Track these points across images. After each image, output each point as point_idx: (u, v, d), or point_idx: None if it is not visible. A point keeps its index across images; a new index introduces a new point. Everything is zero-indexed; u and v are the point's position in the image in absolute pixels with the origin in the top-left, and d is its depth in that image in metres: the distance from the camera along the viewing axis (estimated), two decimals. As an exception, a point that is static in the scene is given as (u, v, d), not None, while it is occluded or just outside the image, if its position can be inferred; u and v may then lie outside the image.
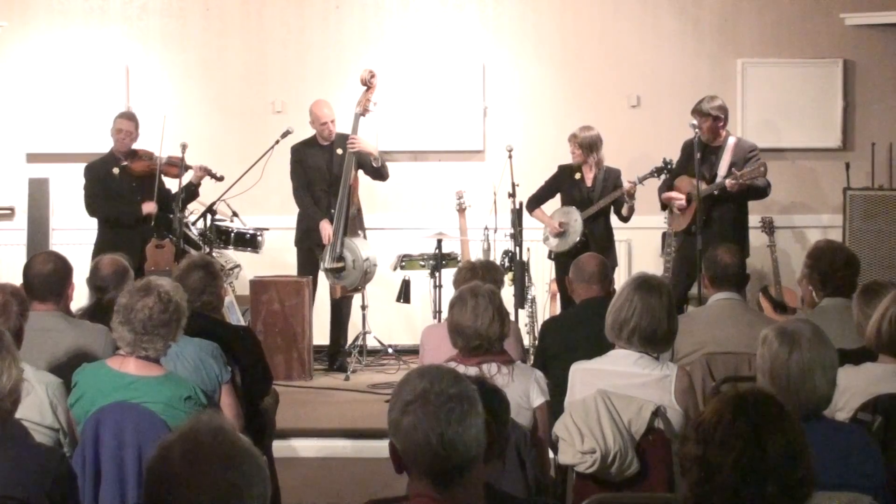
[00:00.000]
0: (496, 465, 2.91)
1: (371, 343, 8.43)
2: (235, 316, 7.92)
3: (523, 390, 4.14)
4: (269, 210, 8.80)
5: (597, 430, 3.78)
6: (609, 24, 9.12)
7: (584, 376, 4.06)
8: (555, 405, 4.23)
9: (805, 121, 9.02)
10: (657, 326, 3.98)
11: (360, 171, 8.18)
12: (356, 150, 8.03)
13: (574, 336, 4.99)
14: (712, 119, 7.50)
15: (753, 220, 8.67)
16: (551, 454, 4.31)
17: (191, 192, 7.89)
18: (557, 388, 4.36)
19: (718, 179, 7.45)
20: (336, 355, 8.30)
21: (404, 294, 8.28)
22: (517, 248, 7.56)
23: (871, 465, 3.18)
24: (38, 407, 3.83)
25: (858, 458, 3.16)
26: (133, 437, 3.68)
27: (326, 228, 8.03)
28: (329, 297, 8.30)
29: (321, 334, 8.33)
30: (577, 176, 7.89)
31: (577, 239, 7.77)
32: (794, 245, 9.03)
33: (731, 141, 7.53)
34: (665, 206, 7.85)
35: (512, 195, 7.74)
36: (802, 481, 2.22)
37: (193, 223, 8.18)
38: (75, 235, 8.68)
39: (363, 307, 8.28)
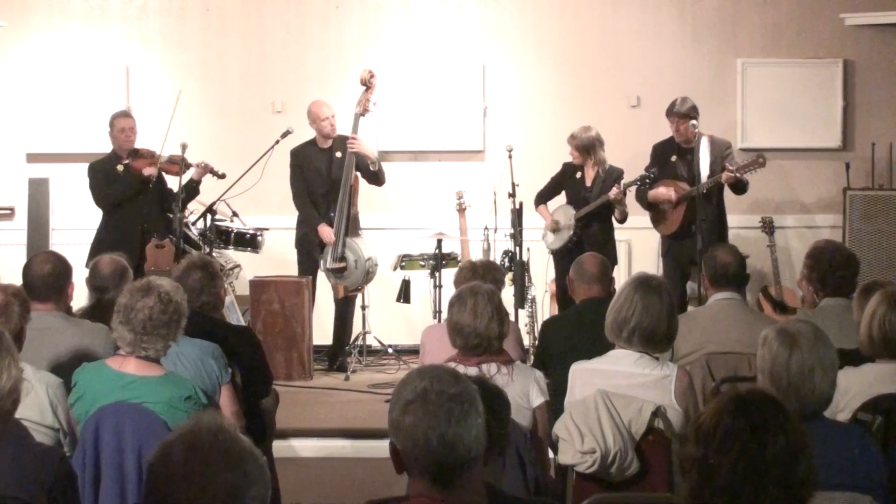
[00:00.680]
0: (496, 465, 2.92)
1: (371, 343, 8.43)
2: (235, 316, 7.92)
3: (523, 390, 4.14)
4: (269, 210, 8.80)
5: (597, 430, 3.78)
6: (609, 24, 9.12)
7: (584, 376, 4.06)
8: (555, 405, 4.23)
9: (805, 121, 9.01)
10: (657, 326, 3.98)
11: (358, 173, 8.18)
12: (356, 150, 8.02)
13: (574, 336, 4.99)
14: (688, 120, 7.57)
15: (753, 220, 8.70)
16: (551, 454, 4.31)
17: (192, 189, 7.88)
18: (557, 388, 4.36)
19: (704, 179, 7.48)
20: (336, 355, 8.30)
21: (404, 294, 8.28)
22: (517, 248, 7.56)
23: (871, 465, 3.18)
24: (38, 406, 3.83)
25: (858, 458, 3.16)
26: (133, 437, 3.68)
27: (326, 231, 8.02)
28: (332, 297, 8.30)
29: (321, 334, 8.32)
30: (579, 175, 7.90)
31: (569, 237, 7.79)
32: (794, 245, 9.03)
33: (705, 140, 7.57)
34: (652, 207, 7.83)
35: (512, 195, 7.74)
36: (803, 482, 2.22)
37: (193, 223, 8.18)
38: (75, 235, 8.67)
39: (363, 307, 8.28)
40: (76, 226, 8.74)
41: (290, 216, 8.38)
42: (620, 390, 3.89)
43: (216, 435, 2.08)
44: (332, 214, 8.06)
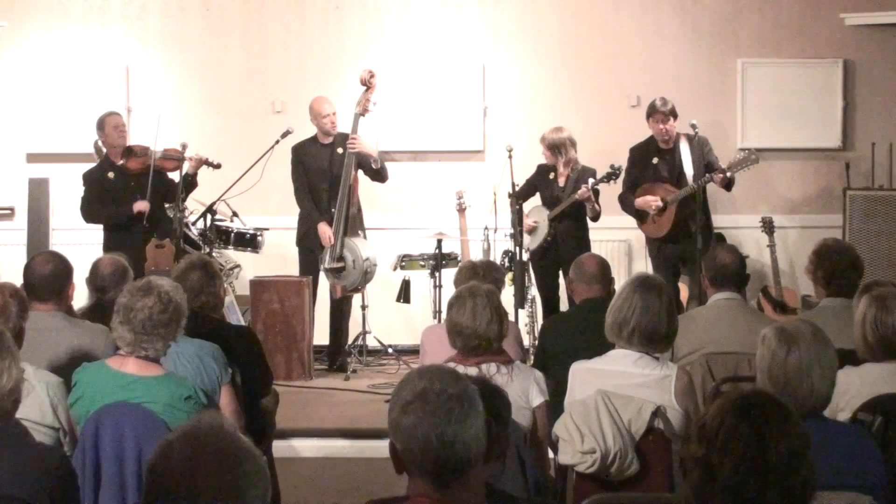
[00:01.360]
0: (496, 466, 2.91)
1: (371, 343, 8.43)
2: (235, 316, 7.92)
3: (522, 390, 4.15)
4: (269, 210, 8.80)
5: (597, 430, 3.78)
6: (609, 24, 9.12)
7: (584, 376, 4.06)
8: (555, 405, 4.23)
9: (805, 121, 9.01)
10: (657, 326, 3.98)
11: (360, 172, 8.18)
12: (356, 150, 8.03)
13: (574, 336, 4.99)
14: (673, 119, 7.62)
15: (753, 220, 8.70)
16: (551, 454, 4.32)
17: (188, 183, 7.85)
18: (557, 388, 4.36)
19: (690, 178, 7.48)
20: (336, 355, 8.30)
21: (404, 294, 8.28)
22: (517, 248, 7.56)
23: (871, 465, 3.18)
24: (38, 406, 3.83)
25: (858, 458, 3.16)
26: (133, 437, 3.68)
27: (325, 231, 8.03)
28: (329, 297, 8.30)
29: (321, 334, 8.32)
30: (552, 175, 7.93)
31: (543, 238, 7.81)
32: (794, 245, 9.03)
33: (684, 139, 7.57)
34: (639, 213, 7.83)
35: (512, 195, 7.75)
36: (804, 484, 2.22)
37: (193, 223, 8.17)
38: (75, 235, 8.68)
39: (363, 307, 8.28)
40: (76, 226, 8.72)
41: (291, 216, 8.38)
42: (620, 390, 3.89)
43: (216, 435, 2.08)
44: (333, 211, 8.07)
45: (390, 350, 8.43)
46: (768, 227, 8.60)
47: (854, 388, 3.86)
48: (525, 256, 7.81)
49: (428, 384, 2.34)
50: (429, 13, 9.16)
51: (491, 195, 8.16)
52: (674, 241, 7.68)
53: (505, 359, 4.22)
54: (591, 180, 7.61)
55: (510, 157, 7.75)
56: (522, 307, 7.59)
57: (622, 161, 7.99)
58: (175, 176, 7.84)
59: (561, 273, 7.85)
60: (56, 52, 9.16)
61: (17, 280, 4.64)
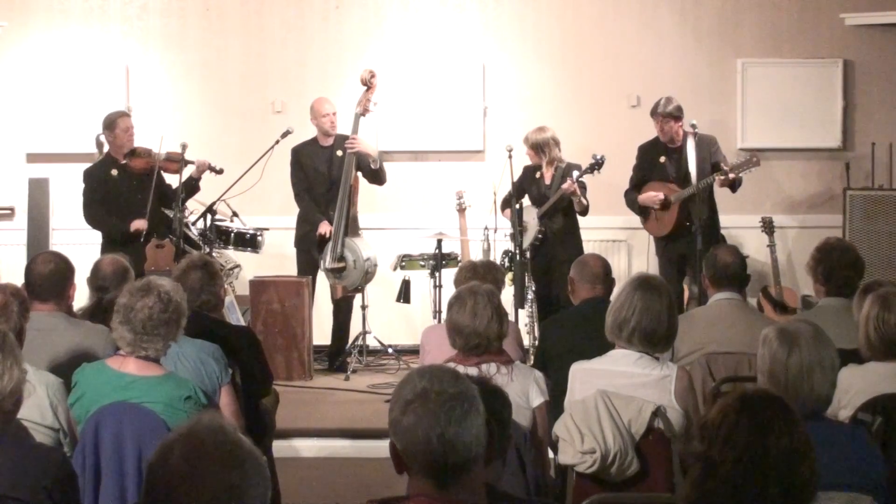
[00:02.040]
0: (496, 466, 2.91)
1: (371, 343, 8.43)
2: (235, 316, 7.92)
3: (522, 390, 4.15)
4: (269, 210, 8.80)
5: (597, 430, 3.78)
6: (609, 23, 9.12)
7: (584, 376, 4.06)
8: (555, 405, 4.23)
9: (805, 121, 9.01)
10: (657, 326, 3.98)
11: (359, 174, 8.18)
12: (356, 150, 8.02)
13: (574, 336, 4.99)
14: (674, 120, 7.59)
15: (753, 220, 8.70)
16: (551, 454, 4.31)
17: (191, 187, 7.87)
18: (557, 388, 4.36)
19: (694, 178, 7.48)
20: (336, 355, 8.30)
21: (404, 294, 8.28)
22: (517, 248, 7.56)
23: (871, 465, 3.18)
24: (38, 407, 3.83)
25: (858, 458, 3.16)
26: (133, 437, 3.68)
27: (325, 226, 8.03)
28: (330, 297, 8.30)
29: (321, 334, 8.32)
30: (538, 175, 7.93)
31: (534, 236, 7.80)
32: (794, 245, 9.03)
33: (691, 138, 7.57)
34: (643, 210, 7.84)
35: (512, 195, 7.75)
36: (805, 483, 2.22)
37: (193, 223, 8.16)
38: (75, 235, 8.67)
39: (363, 307, 8.28)
40: (76, 226, 8.72)
41: (290, 216, 8.38)
42: (620, 390, 3.90)
43: (216, 435, 2.08)
44: (332, 213, 8.07)
45: (390, 350, 8.42)
46: (768, 226, 8.60)
47: (856, 386, 3.86)
48: (500, 257, 7.82)
49: (428, 384, 2.35)
50: (429, 13, 9.16)
51: (491, 195, 8.16)
52: (677, 240, 7.68)
53: (505, 359, 4.22)
54: (574, 173, 7.61)
55: (510, 157, 7.75)
56: (522, 307, 7.58)
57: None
58: (176, 178, 7.83)
59: (550, 269, 7.82)
60: (56, 52, 9.16)
61: (18, 280, 4.65)
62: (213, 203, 8.00)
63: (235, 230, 8.31)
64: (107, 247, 7.57)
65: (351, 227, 8.08)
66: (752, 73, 9.04)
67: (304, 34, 9.19)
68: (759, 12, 9.08)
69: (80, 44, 9.19)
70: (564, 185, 7.60)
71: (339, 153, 8.11)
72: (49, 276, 4.57)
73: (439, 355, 4.47)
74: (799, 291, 8.57)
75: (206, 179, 7.95)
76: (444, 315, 4.97)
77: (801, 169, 9.14)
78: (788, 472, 2.20)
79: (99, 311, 4.92)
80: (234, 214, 8.41)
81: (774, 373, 3.23)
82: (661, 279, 4.28)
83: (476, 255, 8.02)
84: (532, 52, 9.16)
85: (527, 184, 7.98)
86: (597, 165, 7.60)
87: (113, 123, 7.86)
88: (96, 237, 7.96)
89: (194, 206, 8.22)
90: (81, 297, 5.26)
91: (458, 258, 8.08)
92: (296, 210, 8.28)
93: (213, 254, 7.87)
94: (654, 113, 7.74)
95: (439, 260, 8.04)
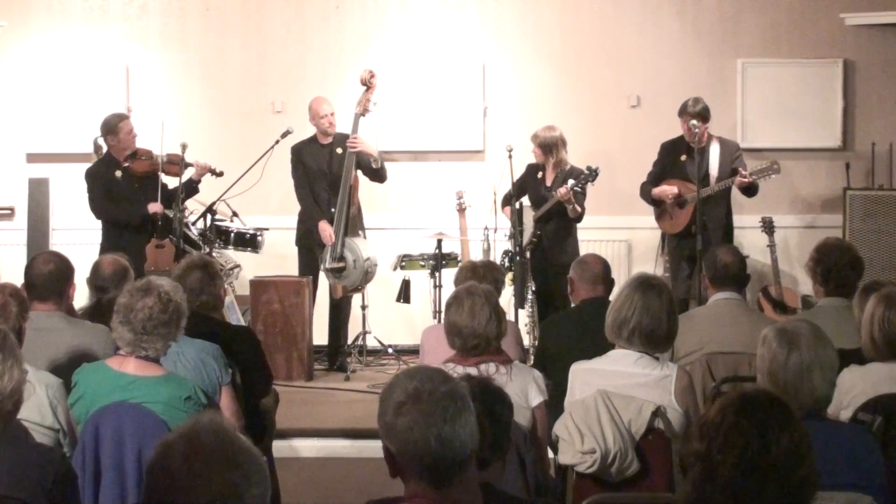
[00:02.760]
0: (496, 466, 2.91)
1: (371, 343, 8.43)
2: (235, 316, 7.92)
3: (521, 390, 4.15)
4: (269, 210, 8.80)
5: (597, 430, 3.78)
6: (609, 24, 9.12)
7: (584, 376, 4.06)
8: (555, 405, 4.23)
9: (805, 121, 9.01)
10: (657, 326, 3.98)
11: (360, 172, 8.18)
12: (356, 150, 8.03)
13: (574, 336, 4.99)
14: (701, 120, 7.61)
15: (753, 220, 8.70)
16: (551, 454, 4.31)
17: (191, 188, 7.86)
18: (557, 388, 4.36)
19: (713, 180, 7.51)
20: (336, 355, 8.30)
21: (404, 294, 8.28)
22: (517, 248, 7.56)
23: (871, 465, 3.18)
24: (38, 407, 3.83)
25: (858, 458, 3.16)
26: (133, 437, 3.68)
27: (326, 229, 8.03)
28: (329, 297, 8.30)
29: (321, 334, 8.32)
30: (540, 175, 7.92)
31: (529, 238, 7.80)
32: (794, 245, 9.03)
33: (716, 141, 7.58)
34: (657, 204, 7.84)
35: (512, 195, 7.75)
36: (805, 482, 2.22)
37: (193, 223, 8.16)
38: (75, 235, 8.68)
39: (363, 307, 8.28)
40: (76, 226, 8.74)
41: (290, 216, 8.38)
42: (620, 390, 3.90)
43: (215, 435, 2.08)
44: (333, 210, 8.07)
45: (390, 350, 8.42)
46: (768, 227, 8.60)
47: (858, 386, 3.86)
48: (500, 257, 7.82)
49: (419, 384, 2.34)
50: (429, 13, 9.16)
51: (491, 195, 8.16)
52: (689, 238, 7.68)
53: (504, 358, 4.22)
54: (570, 181, 7.58)
55: (510, 157, 7.74)
56: (522, 307, 7.58)
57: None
58: (176, 180, 7.82)
59: (545, 271, 7.81)
60: (56, 52, 9.16)
61: (18, 280, 4.65)
62: (213, 203, 8.01)
63: (235, 230, 8.31)
64: (107, 247, 7.55)
65: (352, 226, 8.08)
66: (752, 73, 9.04)
67: (304, 34, 9.19)
68: (759, 12, 9.08)
69: (80, 44, 9.18)
70: (559, 192, 7.57)
71: (339, 150, 8.11)
72: (49, 276, 4.57)
73: (439, 355, 4.47)
74: (799, 291, 8.57)
75: (207, 180, 7.94)
76: (443, 315, 4.97)
77: (801, 169, 9.13)
78: (788, 472, 2.20)
79: (99, 311, 4.92)
80: (234, 214, 8.41)
81: (774, 372, 3.23)
82: (661, 279, 4.28)
83: (476, 255, 8.02)
84: (532, 52, 9.16)
85: (528, 183, 7.96)
86: (591, 177, 7.58)
87: (115, 127, 7.81)
88: (96, 237, 7.95)
89: (194, 206, 8.21)
90: (81, 297, 5.27)
91: (458, 258, 8.08)
92: (296, 210, 8.28)
93: (213, 254, 7.87)
94: (682, 112, 7.72)
95: (439, 260, 8.04)
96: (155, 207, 7.64)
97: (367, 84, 8.07)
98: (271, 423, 5.25)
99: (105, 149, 7.98)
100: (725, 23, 9.10)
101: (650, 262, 8.67)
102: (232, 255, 8.52)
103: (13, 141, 9.21)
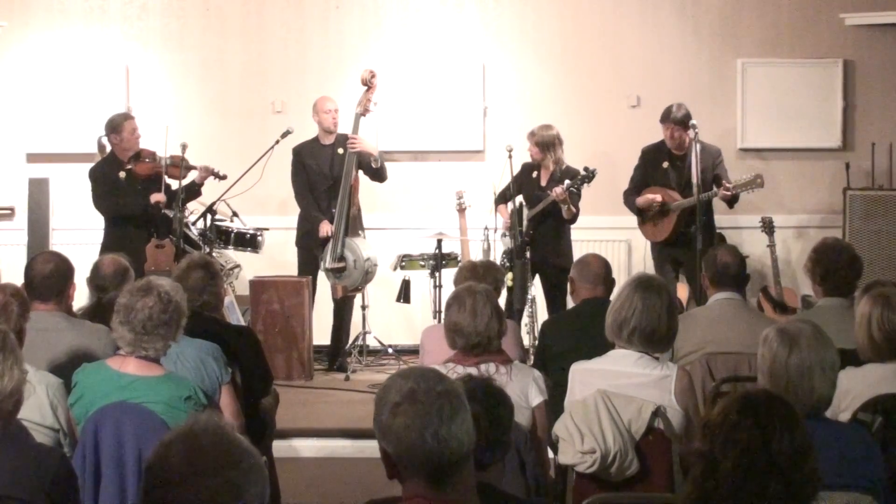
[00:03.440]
0: (497, 467, 2.91)
1: (371, 343, 8.43)
2: (235, 316, 7.91)
3: (521, 390, 4.15)
4: (269, 210, 8.80)
5: (597, 430, 3.78)
6: (609, 24, 9.12)
7: (584, 376, 4.06)
8: (555, 405, 4.23)
9: (805, 121, 9.01)
10: (657, 326, 3.98)
11: (360, 172, 8.18)
12: (357, 150, 8.03)
13: (574, 336, 4.99)
14: (684, 128, 7.57)
15: (753, 220, 8.70)
16: (551, 454, 4.31)
17: (193, 191, 7.87)
18: (557, 388, 4.36)
19: (695, 188, 7.44)
20: (336, 355, 8.30)
21: (404, 294, 8.28)
22: (514, 247, 7.56)
23: (872, 466, 3.18)
24: (38, 407, 3.83)
25: (858, 458, 3.16)
26: (133, 437, 3.68)
27: (325, 226, 8.03)
28: (331, 297, 8.30)
29: (321, 334, 8.32)
30: (535, 174, 7.91)
31: (520, 238, 7.78)
32: (794, 245, 9.03)
33: (698, 147, 7.52)
34: (641, 212, 7.81)
35: (507, 193, 7.74)
36: (806, 481, 2.22)
37: (193, 223, 8.16)
38: (75, 235, 8.68)
39: (363, 307, 8.28)
40: (76, 226, 8.75)
41: (290, 216, 8.38)
42: (620, 390, 3.89)
43: (214, 435, 2.08)
44: (333, 211, 8.07)
45: (390, 350, 8.43)
46: (768, 227, 8.59)
47: (856, 388, 3.85)
48: (500, 257, 7.82)
49: (414, 384, 2.34)
50: (429, 13, 9.16)
51: (491, 195, 8.16)
52: (674, 245, 7.68)
53: (503, 358, 4.22)
54: (566, 182, 7.56)
55: (510, 157, 7.73)
56: (523, 307, 7.58)
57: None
58: (177, 182, 7.82)
59: (539, 272, 7.81)
60: (56, 52, 9.16)
61: (18, 280, 4.65)
62: (214, 203, 8.00)
63: (235, 230, 8.31)
64: (108, 246, 7.56)
65: (352, 226, 8.08)
66: (752, 73, 9.04)
67: (304, 34, 9.19)
68: (759, 12, 9.08)
69: (80, 44, 9.18)
70: (554, 192, 7.55)
71: (340, 151, 8.11)
72: (49, 276, 4.57)
73: (439, 355, 4.47)
74: (799, 291, 8.57)
75: (208, 182, 7.93)
76: (444, 315, 4.97)
77: (801, 169, 9.13)
78: (790, 472, 2.21)
79: (99, 311, 4.91)
80: (234, 214, 8.41)
81: (775, 373, 3.23)
82: (661, 279, 4.28)
83: (476, 255, 8.02)
84: (532, 52, 9.16)
85: (523, 181, 7.95)
86: (587, 178, 7.56)
87: (120, 126, 7.80)
88: (96, 237, 7.95)
89: (194, 207, 8.22)
90: (81, 297, 5.27)
91: (458, 258, 8.08)
92: (296, 210, 8.28)
93: (213, 254, 7.87)
94: (664, 119, 7.68)
95: (439, 260, 8.04)
96: (158, 196, 7.64)
97: (368, 84, 8.07)
98: (271, 423, 5.25)
99: (109, 148, 7.98)
100: (725, 23, 9.10)
101: (650, 263, 8.66)
102: (232, 255, 8.52)
103: (13, 141, 9.21)
